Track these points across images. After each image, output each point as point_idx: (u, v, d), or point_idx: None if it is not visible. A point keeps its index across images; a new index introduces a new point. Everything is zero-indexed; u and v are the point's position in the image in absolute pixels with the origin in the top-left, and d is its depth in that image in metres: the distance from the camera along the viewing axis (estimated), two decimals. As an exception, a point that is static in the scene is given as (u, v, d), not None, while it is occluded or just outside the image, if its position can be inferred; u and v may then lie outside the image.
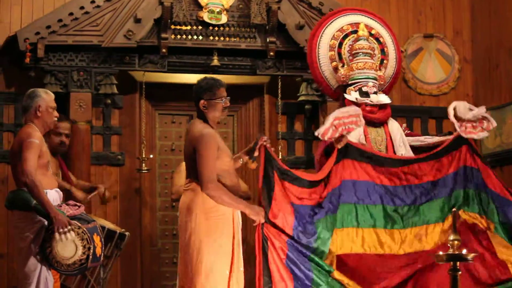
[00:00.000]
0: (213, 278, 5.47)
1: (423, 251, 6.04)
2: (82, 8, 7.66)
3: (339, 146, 6.13)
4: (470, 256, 5.02)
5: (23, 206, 5.55)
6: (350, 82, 6.55)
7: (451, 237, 4.99)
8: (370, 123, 6.49)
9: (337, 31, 6.75)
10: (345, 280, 5.85)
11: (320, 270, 5.81)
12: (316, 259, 5.83)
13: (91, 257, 5.54)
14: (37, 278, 5.53)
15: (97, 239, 5.63)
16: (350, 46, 6.67)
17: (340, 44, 6.71)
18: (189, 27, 7.97)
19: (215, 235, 5.52)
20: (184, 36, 7.98)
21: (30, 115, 5.76)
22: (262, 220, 5.75)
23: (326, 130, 6.05)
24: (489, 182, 6.34)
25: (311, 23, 8.06)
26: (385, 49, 6.82)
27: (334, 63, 6.70)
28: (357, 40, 6.64)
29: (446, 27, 9.18)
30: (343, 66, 6.63)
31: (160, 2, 7.77)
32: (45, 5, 8.06)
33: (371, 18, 6.92)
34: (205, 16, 7.91)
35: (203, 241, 5.50)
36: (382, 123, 6.58)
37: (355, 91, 6.49)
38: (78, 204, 5.82)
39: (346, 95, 6.53)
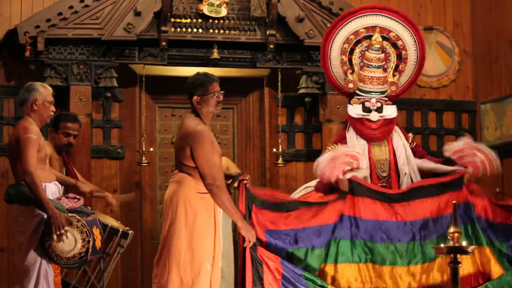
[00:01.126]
0: (191, 270, 5.46)
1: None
2: (82, 1, 7.66)
3: (345, 189, 6.14)
4: (470, 248, 5.02)
5: (23, 200, 5.54)
6: (356, 92, 6.54)
7: (451, 230, 4.98)
8: (372, 139, 6.51)
9: (351, 34, 6.58)
10: None
11: (315, 286, 5.80)
12: (309, 276, 5.81)
13: (90, 250, 5.54)
14: (37, 271, 5.52)
15: (96, 231, 5.63)
16: (361, 53, 6.58)
17: (352, 51, 6.61)
18: (189, 20, 7.96)
19: (194, 227, 5.51)
20: (184, 29, 7.97)
21: (27, 109, 5.74)
22: (252, 239, 5.71)
23: (322, 174, 6.09)
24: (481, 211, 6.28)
25: (311, 16, 8.05)
26: (403, 53, 6.63)
27: (345, 67, 6.63)
28: (369, 47, 6.56)
29: (446, 19, 9.16)
30: (352, 72, 6.59)
31: (160, -5, 7.78)
32: (45, -2, 8.08)
33: (392, 18, 6.65)
34: (205, 9, 7.90)
35: (181, 232, 5.49)
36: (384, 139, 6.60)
37: (359, 104, 6.51)
38: (77, 196, 5.81)
39: (348, 107, 6.54)
